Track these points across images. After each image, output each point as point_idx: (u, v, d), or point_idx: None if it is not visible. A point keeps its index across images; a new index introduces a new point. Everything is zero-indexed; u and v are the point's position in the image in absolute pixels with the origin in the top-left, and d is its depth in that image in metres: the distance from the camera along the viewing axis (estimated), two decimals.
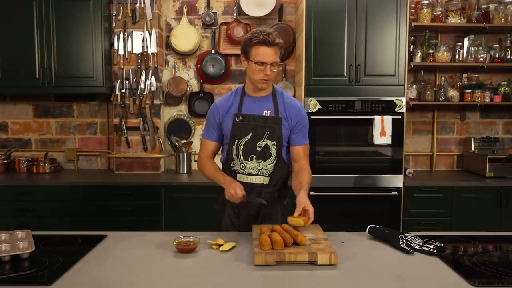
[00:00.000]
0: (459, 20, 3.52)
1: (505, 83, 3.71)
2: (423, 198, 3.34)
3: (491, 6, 3.59)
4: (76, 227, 3.18)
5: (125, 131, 3.65)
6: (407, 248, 1.72)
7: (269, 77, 1.96)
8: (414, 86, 3.70)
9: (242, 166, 2.05)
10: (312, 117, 3.13)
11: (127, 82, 3.63)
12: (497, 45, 3.65)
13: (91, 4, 3.43)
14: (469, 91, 3.63)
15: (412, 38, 3.66)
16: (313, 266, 1.57)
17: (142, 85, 3.62)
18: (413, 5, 3.58)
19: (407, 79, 3.39)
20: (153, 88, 3.64)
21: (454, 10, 3.51)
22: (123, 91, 3.62)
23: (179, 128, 3.87)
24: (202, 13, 3.80)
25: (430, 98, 3.65)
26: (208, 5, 3.80)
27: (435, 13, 3.52)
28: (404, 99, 3.29)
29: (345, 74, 3.28)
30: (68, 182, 3.38)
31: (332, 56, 3.27)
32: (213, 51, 3.82)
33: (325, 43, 3.25)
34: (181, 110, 3.92)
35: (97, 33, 3.46)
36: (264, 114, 2.04)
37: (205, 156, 2.14)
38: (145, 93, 3.62)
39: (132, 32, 3.61)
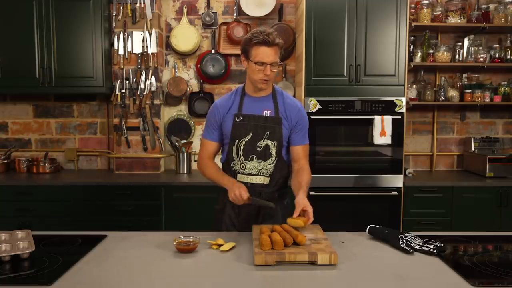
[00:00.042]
0: (459, 20, 3.52)
1: (505, 83, 3.71)
2: (423, 198, 3.34)
3: (491, 6, 3.59)
4: (76, 227, 3.18)
5: (125, 131, 3.65)
6: (407, 248, 1.72)
7: (269, 77, 1.96)
8: (414, 86, 3.70)
9: (243, 166, 2.05)
10: (312, 117, 3.13)
11: (127, 82, 3.63)
12: (497, 45, 3.65)
13: (91, 4, 3.43)
14: (469, 91, 3.63)
15: (412, 38, 3.66)
16: (313, 266, 1.57)
17: (142, 85, 3.62)
18: (413, 5, 3.58)
19: (407, 79, 3.39)
20: (153, 88, 3.64)
21: (454, 10, 3.51)
22: (123, 91, 3.62)
23: (179, 128, 3.87)
24: (202, 13, 3.80)
25: (430, 98, 3.65)
26: (208, 5, 3.80)
27: (435, 13, 3.52)
28: (404, 99, 3.29)
29: (345, 74, 3.28)
30: (68, 182, 3.38)
31: (332, 56, 3.27)
32: (213, 51, 3.82)
33: (325, 43, 3.25)
34: (181, 110, 3.92)
35: (97, 33, 3.46)
36: (264, 114, 2.04)
37: (205, 156, 2.13)
38: (145, 93, 3.62)
39: (132, 32, 3.61)
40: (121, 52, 3.60)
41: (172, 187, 3.30)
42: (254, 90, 2.05)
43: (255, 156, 2.04)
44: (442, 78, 3.77)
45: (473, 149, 3.74)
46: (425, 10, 3.49)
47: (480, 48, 3.59)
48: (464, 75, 3.75)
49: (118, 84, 3.61)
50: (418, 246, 1.73)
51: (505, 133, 3.95)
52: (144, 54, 3.61)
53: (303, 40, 3.26)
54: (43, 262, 1.60)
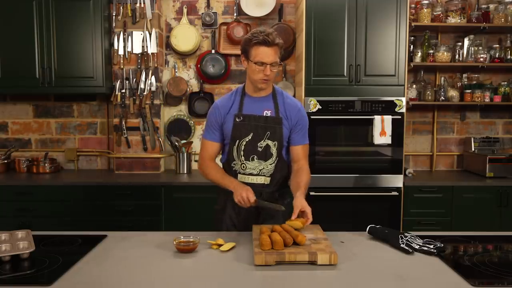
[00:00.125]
0: (459, 20, 3.52)
1: (505, 83, 3.71)
2: (423, 198, 3.34)
3: (491, 6, 3.59)
4: (76, 227, 3.18)
5: (125, 131, 3.65)
6: (407, 248, 1.72)
7: (269, 77, 1.96)
8: (414, 86, 3.70)
9: (243, 167, 2.05)
10: (312, 117, 3.13)
11: (127, 82, 3.63)
12: (497, 45, 3.65)
13: (91, 4, 3.43)
14: (469, 91, 3.63)
15: (412, 38, 3.66)
16: (313, 266, 1.57)
17: (142, 85, 3.62)
18: (413, 5, 3.58)
19: (407, 79, 3.39)
20: (153, 88, 3.64)
21: (454, 10, 3.51)
22: (123, 91, 3.62)
23: (179, 128, 3.87)
24: (202, 13, 3.80)
25: (430, 98, 3.65)
26: (208, 5, 3.80)
27: (435, 13, 3.52)
28: (404, 99, 3.29)
29: (345, 74, 3.28)
30: (68, 182, 3.38)
31: (332, 56, 3.27)
32: (213, 51, 3.82)
33: (325, 43, 3.25)
34: (181, 110, 3.92)
35: (97, 33, 3.46)
36: (264, 114, 2.04)
37: (207, 158, 2.12)
38: (145, 93, 3.62)
39: (132, 32, 3.61)
40: (121, 52, 3.60)
41: (172, 187, 3.30)
42: (254, 90, 2.05)
43: (255, 156, 2.04)
44: (442, 78, 3.77)
45: (473, 149, 3.74)
46: (425, 10, 3.49)
47: (480, 48, 3.59)
48: (464, 75, 3.75)
49: (118, 84, 3.61)
50: (418, 246, 1.73)
51: (505, 133, 3.95)
52: (144, 54, 3.61)
53: (303, 40, 3.26)
54: (43, 262, 1.60)
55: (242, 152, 2.04)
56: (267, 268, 1.55)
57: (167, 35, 3.83)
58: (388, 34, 3.25)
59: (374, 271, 1.55)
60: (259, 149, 2.03)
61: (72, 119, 3.92)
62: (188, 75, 3.89)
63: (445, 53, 3.54)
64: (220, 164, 2.17)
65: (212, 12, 3.81)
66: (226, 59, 3.82)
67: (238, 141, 2.04)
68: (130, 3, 3.58)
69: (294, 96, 3.63)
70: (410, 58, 3.55)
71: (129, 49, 3.61)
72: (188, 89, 3.84)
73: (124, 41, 3.60)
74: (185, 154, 3.65)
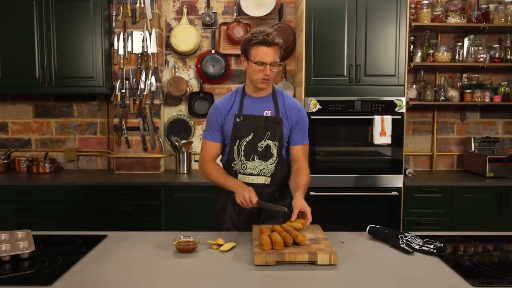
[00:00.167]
0: (459, 20, 3.52)
1: (505, 83, 3.71)
2: (423, 198, 3.34)
3: (491, 6, 3.59)
4: (76, 227, 3.18)
5: (125, 131, 3.65)
6: (407, 248, 1.72)
7: (269, 77, 1.96)
8: (414, 86, 3.70)
9: (244, 167, 2.05)
10: (312, 117, 3.13)
11: (127, 82, 3.63)
12: (497, 45, 3.65)
13: (91, 4, 3.43)
14: (469, 91, 3.63)
15: (412, 38, 3.66)
16: (313, 266, 1.57)
17: (142, 85, 3.62)
18: (413, 5, 3.58)
19: (407, 79, 3.39)
20: (153, 88, 3.64)
21: (454, 10, 3.51)
22: (123, 91, 3.62)
23: (179, 128, 3.87)
24: (202, 13, 3.80)
25: (430, 98, 3.65)
26: (208, 5, 3.80)
27: (435, 13, 3.52)
28: (404, 99, 3.29)
29: (345, 74, 3.28)
30: (68, 182, 3.38)
31: (332, 56, 3.27)
32: (213, 51, 3.82)
33: (325, 43, 3.25)
34: (181, 110, 3.92)
35: (97, 33, 3.46)
36: (264, 115, 2.04)
37: (208, 158, 2.11)
38: (145, 93, 3.62)
39: (132, 32, 3.61)
40: (121, 52, 3.60)
41: (172, 187, 3.30)
42: (254, 90, 2.05)
43: (256, 156, 2.04)
44: (442, 78, 3.77)
45: (473, 149, 3.74)
46: (425, 10, 3.49)
47: (480, 48, 3.59)
48: (464, 75, 3.75)
49: (118, 84, 3.61)
50: (418, 246, 1.73)
51: (505, 133, 3.95)
52: (144, 54, 3.61)
53: (303, 40, 3.26)
54: (43, 262, 1.60)
55: (242, 152, 2.04)
56: (267, 268, 1.55)
57: (167, 35, 3.83)
58: (388, 34, 3.25)
59: (374, 271, 1.55)
60: (260, 149, 2.03)
61: (72, 119, 3.92)
62: (188, 75, 3.89)
63: (445, 53, 3.54)
64: (220, 164, 2.17)
65: (212, 12, 3.81)
66: (226, 59, 3.82)
67: (238, 141, 2.04)
68: (130, 3, 3.58)
69: (294, 96, 3.63)
70: (410, 58, 3.55)
71: (129, 49, 3.61)
72: (188, 89, 3.84)
73: (124, 41, 3.60)
74: (185, 154, 3.65)
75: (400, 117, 3.28)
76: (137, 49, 3.61)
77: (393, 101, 3.29)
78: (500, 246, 1.89)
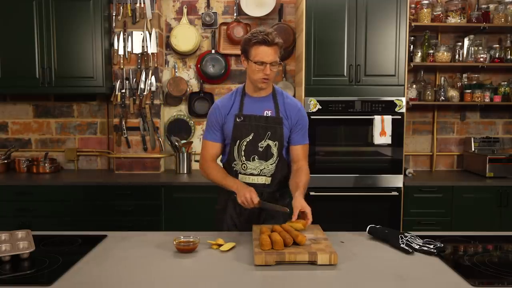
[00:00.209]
0: (459, 20, 3.52)
1: (505, 83, 3.71)
2: (423, 198, 3.34)
3: (491, 6, 3.59)
4: (76, 227, 3.18)
5: (125, 131, 3.65)
6: (407, 248, 1.72)
7: (269, 77, 1.96)
8: (414, 86, 3.70)
9: (244, 167, 2.05)
10: (312, 117, 3.13)
11: (127, 82, 3.63)
12: (497, 45, 3.65)
13: (91, 4, 3.43)
14: (469, 91, 3.63)
15: (412, 38, 3.66)
16: (313, 266, 1.57)
17: (142, 85, 3.62)
18: (413, 5, 3.58)
19: (407, 79, 3.39)
20: (153, 88, 3.64)
21: (454, 10, 3.52)
22: (123, 91, 3.62)
23: (179, 128, 3.87)
24: (202, 13, 3.80)
25: (430, 98, 3.65)
26: (208, 5, 3.80)
27: (435, 13, 3.52)
28: (404, 99, 3.29)
29: (345, 74, 3.28)
30: (68, 182, 3.38)
31: (332, 56, 3.27)
32: (213, 51, 3.82)
33: (325, 43, 3.25)
34: (181, 110, 3.92)
35: (97, 33, 3.46)
36: (265, 115, 2.04)
37: (209, 158, 2.11)
38: (145, 93, 3.62)
39: (132, 32, 3.61)
40: (121, 52, 3.60)
41: (172, 187, 3.30)
42: (254, 90, 2.05)
43: (256, 157, 2.04)
44: (442, 78, 3.77)
45: (473, 149, 3.74)
46: (425, 10, 3.49)
47: (480, 48, 3.59)
48: (464, 75, 3.75)
49: (118, 84, 3.61)
50: (418, 246, 1.73)
51: (505, 133, 3.95)
52: (144, 54, 3.61)
53: (303, 40, 3.26)
54: (43, 262, 1.60)
55: (243, 152, 2.04)
56: (267, 268, 1.55)
57: (167, 35, 3.83)
58: (388, 34, 3.25)
59: (374, 271, 1.55)
60: (260, 149, 2.03)
61: (72, 119, 3.92)
62: (188, 75, 3.89)
63: (445, 53, 3.54)
64: (221, 164, 2.17)
65: (212, 12, 3.81)
66: (226, 59, 3.82)
67: (238, 141, 2.04)
68: (130, 3, 3.58)
69: (294, 96, 3.63)
70: (410, 58, 3.55)
71: (129, 49, 3.61)
72: (188, 89, 3.84)
73: (124, 41, 3.60)
74: (185, 154, 3.65)
75: (400, 117, 3.28)
76: (137, 49, 3.61)
77: (393, 101, 3.29)
78: (500, 246, 1.89)
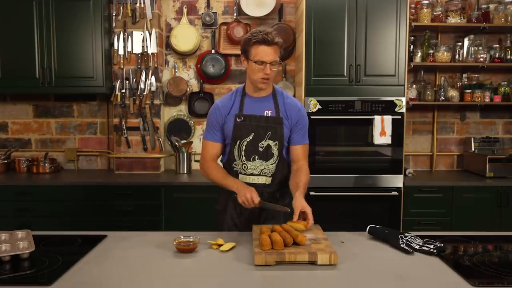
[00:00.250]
0: (459, 20, 3.52)
1: (505, 83, 3.71)
2: (423, 198, 3.34)
3: (491, 6, 3.59)
4: (76, 227, 3.18)
5: (125, 131, 3.65)
6: (407, 248, 1.72)
7: (269, 76, 1.96)
8: (414, 86, 3.70)
9: (244, 167, 2.05)
10: (312, 117, 3.13)
11: (127, 82, 3.63)
12: (497, 45, 3.65)
13: (91, 4, 3.43)
14: (469, 91, 3.63)
15: (412, 38, 3.66)
16: (313, 266, 1.57)
17: (142, 85, 3.62)
18: (413, 5, 3.58)
19: (407, 79, 3.39)
20: (153, 88, 3.64)
21: (454, 10, 3.52)
22: (123, 91, 3.62)
23: (179, 128, 3.87)
24: (202, 13, 3.80)
25: (430, 98, 3.65)
26: (208, 5, 3.80)
27: (435, 13, 3.52)
28: (404, 99, 3.29)
29: (345, 74, 3.28)
30: (68, 182, 3.38)
31: (332, 56, 3.27)
32: (213, 51, 3.82)
33: (325, 43, 3.25)
34: (181, 110, 3.92)
35: (97, 33, 3.46)
36: (265, 115, 2.04)
37: (209, 159, 2.11)
38: (145, 93, 3.62)
39: (132, 32, 3.61)
40: (121, 52, 3.60)
41: (172, 187, 3.30)
42: (254, 90, 2.05)
43: (257, 157, 2.04)
44: (442, 78, 3.77)
45: (473, 149, 3.74)
46: (425, 10, 3.49)
47: (480, 48, 3.59)
48: (464, 75, 3.75)
49: (118, 84, 3.61)
50: (418, 246, 1.73)
51: (505, 133, 3.95)
52: (144, 54, 3.61)
53: (303, 40, 3.26)
54: (43, 262, 1.60)
55: (243, 152, 2.04)
56: (267, 268, 1.55)
57: (167, 35, 3.83)
58: (388, 34, 3.25)
59: (374, 271, 1.55)
60: (260, 149, 2.03)
61: (72, 119, 3.92)
62: (188, 75, 3.89)
63: (445, 53, 3.54)
64: (221, 165, 2.16)
65: (212, 12, 3.81)
66: (226, 59, 3.82)
67: (239, 141, 2.04)
68: (130, 3, 3.58)
69: (294, 96, 3.62)
70: (410, 58, 3.55)
71: (129, 49, 3.61)
72: (188, 89, 3.84)
73: (124, 41, 3.60)
74: (185, 154, 3.65)
75: (400, 117, 3.28)
76: (137, 49, 3.61)
77: (393, 101, 3.29)
78: (500, 246, 1.89)
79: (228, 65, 3.83)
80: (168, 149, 3.82)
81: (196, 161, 3.69)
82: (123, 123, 3.64)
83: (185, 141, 3.77)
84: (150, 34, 3.60)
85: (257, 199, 1.89)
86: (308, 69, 3.27)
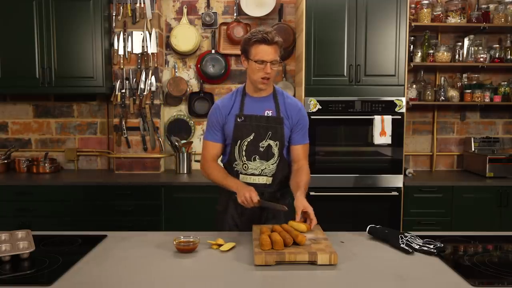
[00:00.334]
0: (459, 20, 3.52)
1: (505, 83, 3.71)
2: (423, 198, 3.34)
3: (491, 6, 3.59)
4: (76, 227, 3.18)
5: (125, 131, 3.65)
6: (407, 248, 1.72)
7: (269, 76, 1.96)
8: (414, 86, 3.70)
9: (245, 167, 2.05)
10: (312, 117, 3.13)
11: (127, 82, 3.63)
12: (497, 45, 3.65)
13: (91, 4, 3.43)
14: (469, 91, 3.63)
15: (412, 38, 3.66)
16: (313, 266, 1.57)
17: (142, 85, 3.62)
18: (413, 5, 3.58)
19: (407, 79, 3.39)
20: (153, 88, 3.64)
21: (454, 10, 3.52)
22: (123, 91, 3.62)
23: (179, 128, 3.87)
24: (202, 13, 3.80)
25: (430, 98, 3.65)
26: (208, 5, 3.80)
27: (435, 13, 3.52)
28: (404, 99, 3.29)
29: (345, 74, 3.28)
30: (68, 182, 3.38)
31: (332, 56, 3.27)
32: (213, 51, 3.82)
33: (325, 43, 3.25)
34: (181, 110, 3.92)
35: (97, 33, 3.46)
36: (265, 115, 2.04)
37: (209, 159, 2.11)
38: (145, 93, 3.62)
39: (132, 32, 3.61)
40: (121, 52, 3.60)
41: (172, 187, 3.30)
42: (254, 90, 2.05)
43: (257, 157, 2.04)
44: (442, 78, 3.77)
45: (473, 149, 3.74)
46: (425, 10, 3.49)
47: (480, 48, 3.59)
48: (464, 75, 3.75)
49: (118, 84, 3.61)
50: (418, 246, 1.73)
51: (505, 133, 3.95)
52: (144, 54, 3.61)
53: (303, 40, 3.26)
54: (43, 262, 1.60)
55: (244, 153, 2.04)
56: (267, 268, 1.54)
57: (167, 35, 3.83)
58: (388, 34, 3.25)
59: (374, 271, 1.55)
60: (261, 149, 2.03)
61: (72, 119, 3.92)
62: (188, 75, 3.89)
63: (445, 53, 3.54)
64: (221, 165, 2.16)
65: (212, 12, 3.81)
66: (226, 59, 3.82)
67: (239, 141, 2.04)
68: (130, 3, 3.58)
69: (294, 96, 3.62)
70: (410, 58, 3.55)
71: (129, 49, 3.61)
72: (188, 89, 3.84)
73: (124, 41, 3.60)
74: (185, 154, 3.65)
75: (400, 117, 3.28)
76: (137, 49, 3.61)
77: (393, 101, 3.29)
78: (500, 246, 1.89)
79: (228, 65, 3.83)
80: (168, 149, 3.82)
81: (196, 161, 3.69)
82: (123, 123, 3.64)
83: (185, 141, 3.77)
84: (150, 34, 3.60)
85: (256, 198, 1.89)
86: (308, 69, 3.27)
